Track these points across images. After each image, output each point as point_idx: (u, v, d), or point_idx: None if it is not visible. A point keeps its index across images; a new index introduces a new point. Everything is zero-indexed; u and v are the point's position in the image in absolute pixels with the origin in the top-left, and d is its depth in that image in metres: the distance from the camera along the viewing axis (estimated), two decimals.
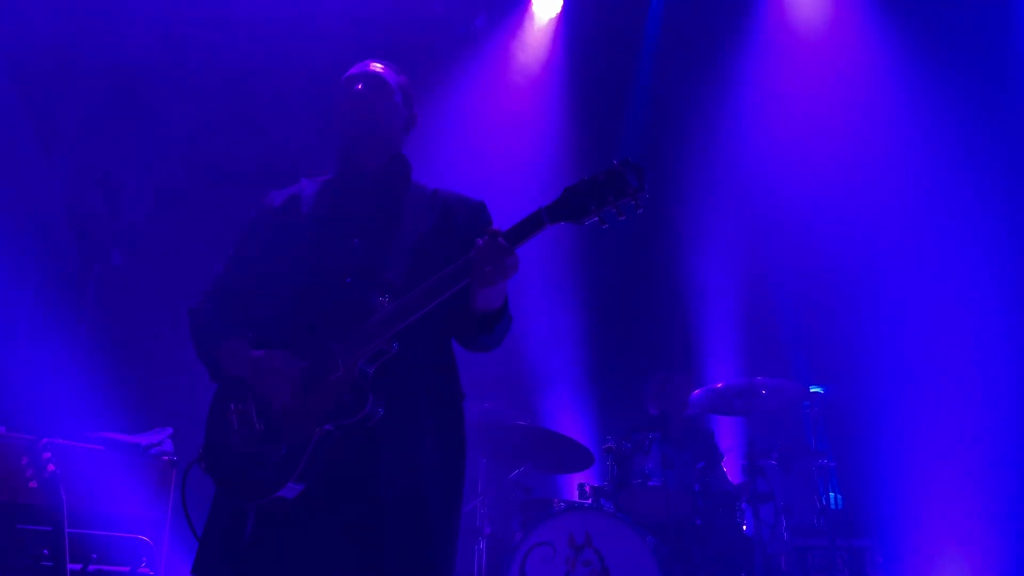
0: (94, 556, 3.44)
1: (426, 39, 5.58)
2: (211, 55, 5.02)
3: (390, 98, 2.60)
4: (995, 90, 4.99)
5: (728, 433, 5.34)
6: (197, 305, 2.53)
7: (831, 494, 4.60)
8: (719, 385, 4.65)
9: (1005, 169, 4.91)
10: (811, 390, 4.64)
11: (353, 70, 2.63)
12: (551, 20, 5.80)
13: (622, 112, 5.79)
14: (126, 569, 3.55)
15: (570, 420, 5.38)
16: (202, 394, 2.47)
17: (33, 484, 3.19)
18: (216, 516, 2.31)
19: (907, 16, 5.18)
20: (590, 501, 4.54)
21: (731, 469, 4.87)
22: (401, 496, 2.27)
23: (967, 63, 4.99)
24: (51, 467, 3.15)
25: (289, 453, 2.21)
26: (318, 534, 2.24)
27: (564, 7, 5.76)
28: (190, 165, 5.17)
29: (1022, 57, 5.01)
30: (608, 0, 5.84)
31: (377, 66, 2.64)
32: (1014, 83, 4.99)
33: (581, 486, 4.64)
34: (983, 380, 4.75)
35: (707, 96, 5.63)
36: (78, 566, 3.36)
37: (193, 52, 5.02)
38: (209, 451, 2.34)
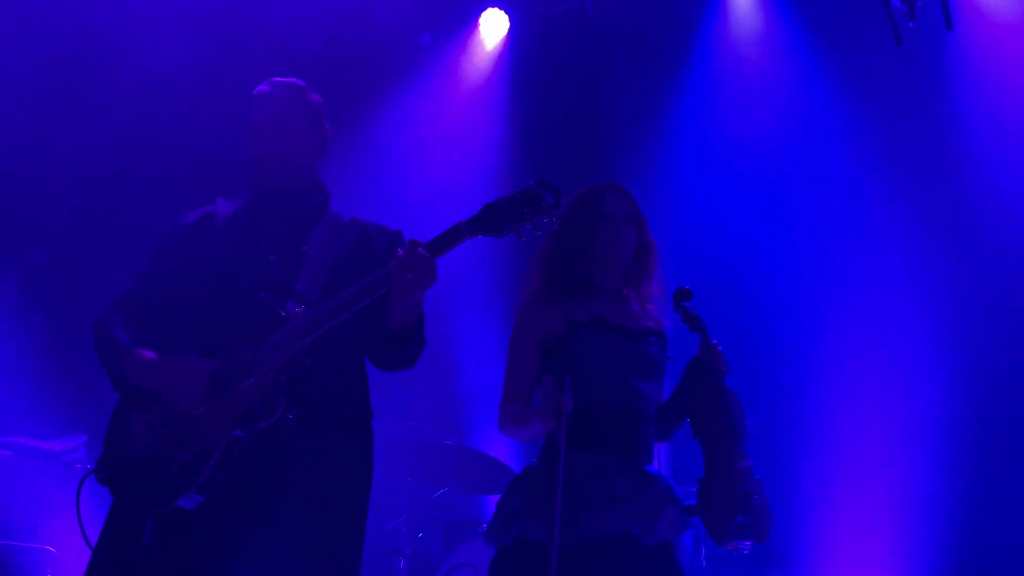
0: None
1: (369, 54, 5.57)
2: (141, 52, 4.95)
3: (298, 118, 2.58)
4: (915, 105, 5.15)
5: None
6: (103, 316, 2.47)
7: None
8: None
9: (922, 185, 5.05)
10: None
11: (261, 88, 2.60)
12: (498, 41, 5.82)
13: (564, 134, 5.82)
14: None
15: (499, 440, 5.37)
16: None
17: None
18: (112, 527, 2.26)
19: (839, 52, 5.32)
20: None
21: None
22: (304, 510, 2.24)
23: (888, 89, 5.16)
24: None
25: (193, 460, 2.17)
26: (216, 547, 2.19)
27: (511, 29, 5.78)
28: (116, 163, 5.09)
29: (949, 86, 5.17)
30: (555, 25, 5.88)
31: (285, 85, 2.62)
32: (931, 95, 5.15)
33: None
34: (902, 409, 4.84)
35: (645, 119, 5.71)
36: None
37: (123, 47, 4.94)
38: (107, 460, 2.28)
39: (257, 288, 2.37)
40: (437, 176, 5.46)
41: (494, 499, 5.35)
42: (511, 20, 5.73)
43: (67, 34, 4.85)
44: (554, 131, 5.76)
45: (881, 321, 5.01)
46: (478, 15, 5.70)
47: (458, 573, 4.29)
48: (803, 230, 5.23)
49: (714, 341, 2.76)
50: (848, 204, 5.23)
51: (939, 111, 5.13)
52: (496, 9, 5.67)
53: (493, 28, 5.74)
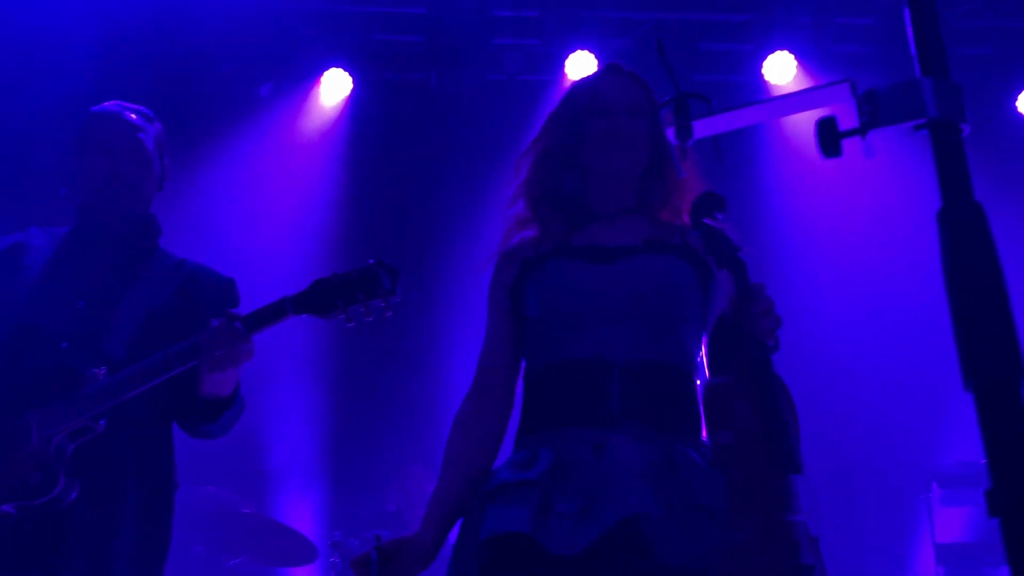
0: None
1: (207, 99, 5.40)
2: None
3: (149, 144, 2.44)
4: None
5: None
6: None
7: None
8: None
9: None
10: None
11: (108, 107, 2.44)
12: (339, 101, 5.75)
13: (399, 200, 5.79)
14: None
15: (301, 511, 5.17)
16: None
17: None
18: None
19: None
20: None
21: None
22: None
23: None
24: None
25: None
26: None
27: (353, 90, 5.73)
28: None
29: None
30: (398, 92, 5.88)
31: (136, 108, 2.47)
32: None
33: None
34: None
35: (481, 192, 5.76)
36: None
37: None
38: None
39: (59, 339, 2.19)
40: (267, 232, 5.30)
41: (290, 572, 5.14)
42: (354, 81, 5.68)
43: None
44: (389, 197, 5.72)
45: None
46: (320, 73, 5.62)
47: None
48: None
49: (756, 285, 1.73)
50: None
51: None
52: (339, 69, 5.61)
53: (335, 88, 5.66)
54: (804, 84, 5.60)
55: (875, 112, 0.99)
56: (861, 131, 1.00)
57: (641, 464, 1.71)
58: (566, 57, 5.56)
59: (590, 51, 5.50)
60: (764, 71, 5.59)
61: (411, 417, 5.25)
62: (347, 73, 5.63)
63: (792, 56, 5.54)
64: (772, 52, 5.53)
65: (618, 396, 1.79)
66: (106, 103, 2.46)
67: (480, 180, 5.74)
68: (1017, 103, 5.72)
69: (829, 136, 1.03)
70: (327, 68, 5.59)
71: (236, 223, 5.27)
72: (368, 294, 2.09)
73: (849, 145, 1.07)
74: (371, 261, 2.13)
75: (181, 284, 2.41)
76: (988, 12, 5.49)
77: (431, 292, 5.29)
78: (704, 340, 1.93)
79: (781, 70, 5.54)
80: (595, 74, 2.19)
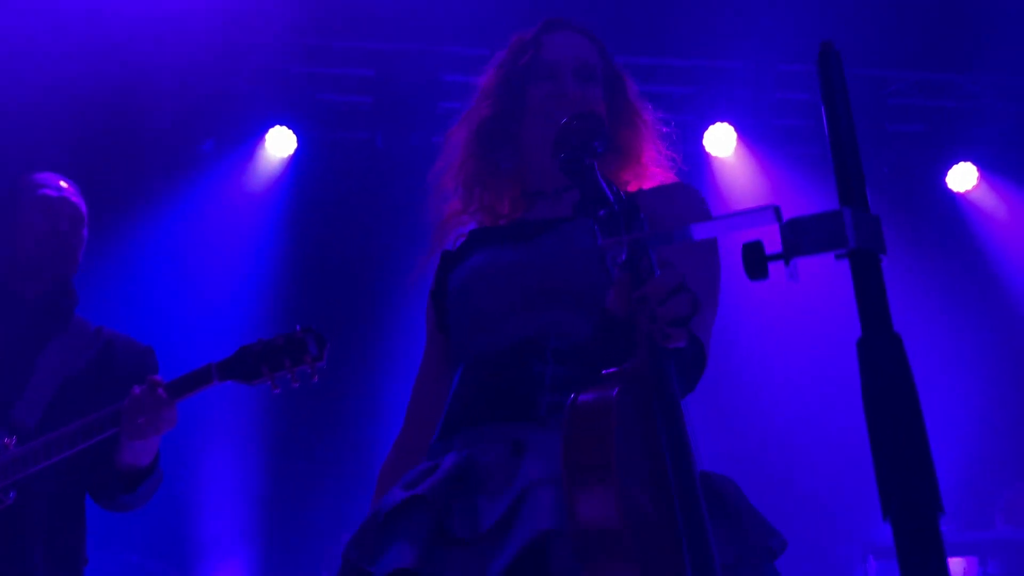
0: None
1: (147, 155, 5.34)
2: None
3: (79, 229, 2.47)
4: None
5: None
6: None
7: None
8: None
9: None
10: None
11: (47, 192, 2.44)
12: (283, 159, 5.73)
13: (340, 260, 5.76)
14: None
15: None
16: None
17: None
18: None
19: None
20: None
21: None
22: None
23: None
24: None
25: None
26: None
27: (298, 148, 5.71)
28: None
29: None
30: (342, 152, 5.88)
31: (63, 179, 2.49)
32: None
33: None
34: None
35: (423, 254, 5.72)
36: None
37: None
38: None
39: None
40: (206, 292, 5.23)
41: None
42: (299, 140, 5.67)
43: None
44: (331, 257, 5.69)
45: None
46: (265, 131, 5.60)
47: None
48: None
49: (662, 267, 1.25)
50: None
51: None
52: (284, 127, 5.60)
53: (279, 146, 5.65)
54: (744, 156, 5.74)
55: (797, 240, 1.01)
56: (784, 257, 1.02)
57: None
58: None
59: None
60: (705, 143, 5.70)
61: (347, 483, 5.18)
62: (292, 131, 5.62)
63: (732, 128, 5.67)
64: (712, 124, 5.65)
65: (549, 386, 1.50)
66: (47, 187, 2.48)
67: (423, 242, 5.74)
68: (947, 179, 5.91)
69: (755, 260, 1.05)
70: (272, 126, 5.58)
71: (173, 282, 5.20)
72: (294, 361, 2.13)
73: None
74: (298, 327, 2.18)
75: (98, 352, 2.40)
76: (916, 92, 5.69)
77: (372, 354, 5.25)
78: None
79: (721, 142, 5.66)
80: (535, 29, 1.82)
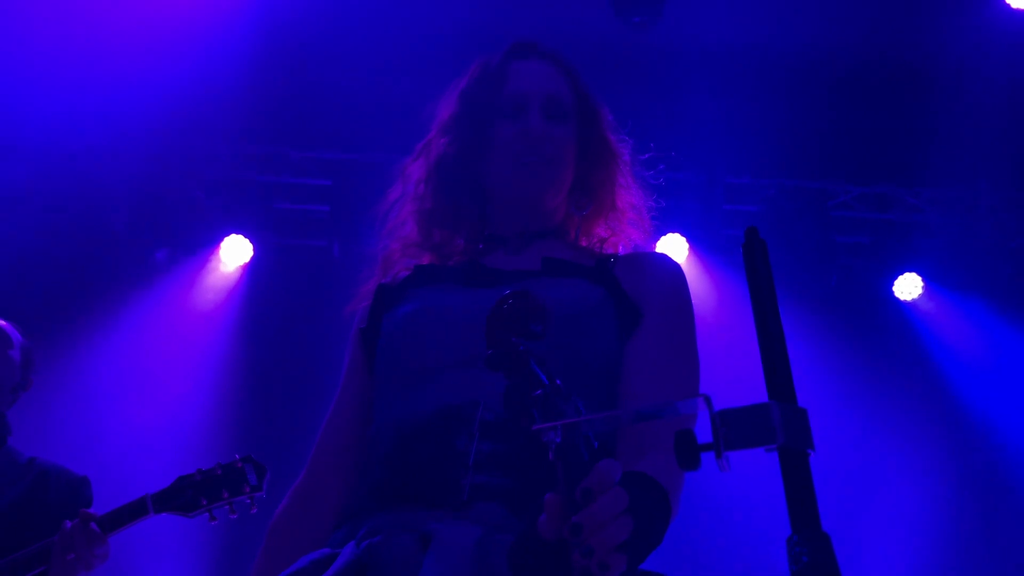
0: None
1: (101, 263, 5.30)
2: None
3: (15, 370, 2.42)
4: None
5: None
6: None
7: None
8: None
9: None
10: None
11: None
12: (238, 267, 5.71)
13: (298, 370, 5.69)
14: None
15: None
16: None
17: None
18: None
19: None
20: None
21: None
22: None
23: None
24: None
25: None
26: None
27: (253, 256, 5.70)
28: None
29: None
30: (299, 259, 5.88)
31: (14, 329, 2.50)
32: None
33: None
34: None
35: None
36: None
37: None
38: None
39: None
40: (146, 408, 5.13)
41: None
42: (254, 248, 5.67)
43: None
44: (285, 366, 5.63)
45: None
46: (220, 239, 5.60)
47: None
48: None
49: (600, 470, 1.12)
50: None
51: None
52: (239, 236, 5.60)
53: (234, 254, 5.64)
54: (695, 265, 5.83)
55: (727, 434, 1.02)
56: (716, 450, 1.03)
57: (473, 568, 1.20)
58: None
59: None
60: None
61: None
62: (247, 240, 5.63)
63: (684, 239, 5.78)
64: (664, 235, 5.75)
65: (473, 463, 1.31)
66: None
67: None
68: (893, 288, 6.04)
69: (687, 449, 1.05)
70: (227, 234, 5.59)
71: (119, 400, 5.11)
72: (233, 491, 2.12)
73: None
74: (237, 456, 2.18)
75: (29, 484, 2.36)
76: (859, 205, 5.86)
77: None
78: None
79: (673, 252, 5.76)
80: (501, 55, 1.65)
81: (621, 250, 1.69)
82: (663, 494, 1.30)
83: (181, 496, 2.13)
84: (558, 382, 1.14)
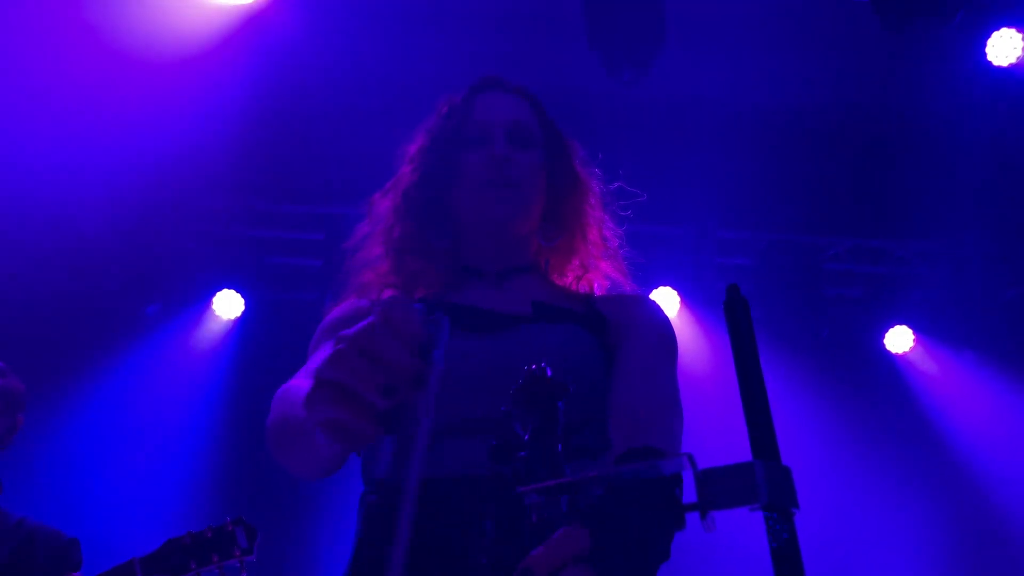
0: None
1: (93, 318, 5.29)
2: None
3: (5, 418, 2.41)
4: None
5: None
6: None
7: None
8: None
9: None
10: None
11: None
12: (229, 320, 5.70)
13: None
14: None
15: None
16: None
17: None
18: None
19: None
20: None
21: None
22: None
23: None
24: None
25: None
26: None
27: (245, 310, 5.70)
28: None
29: None
30: (291, 312, 5.87)
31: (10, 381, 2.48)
32: None
33: None
34: None
35: None
36: None
37: None
38: None
39: None
40: (137, 466, 5.08)
41: None
42: (246, 302, 5.67)
43: None
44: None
45: None
46: (212, 294, 5.59)
47: None
48: None
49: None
50: None
51: None
52: (231, 291, 5.60)
53: (226, 308, 5.63)
54: (686, 318, 5.84)
55: (711, 494, 1.02)
56: (700, 510, 1.02)
57: None
58: None
59: None
60: None
61: None
62: (239, 294, 5.62)
63: (675, 292, 5.79)
64: (655, 288, 5.77)
65: (492, 537, 1.15)
66: None
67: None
68: (884, 341, 6.05)
69: (671, 509, 1.05)
70: (219, 289, 5.59)
71: (110, 459, 5.06)
72: (223, 555, 2.11)
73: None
74: (228, 519, 2.16)
75: (16, 547, 2.32)
76: (851, 258, 5.89)
77: (313, 529, 5.10)
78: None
79: (664, 306, 5.77)
80: (466, 89, 1.66)
81: (597, 287, 1.67)
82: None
83: (170, 559, 2.10)
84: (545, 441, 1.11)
